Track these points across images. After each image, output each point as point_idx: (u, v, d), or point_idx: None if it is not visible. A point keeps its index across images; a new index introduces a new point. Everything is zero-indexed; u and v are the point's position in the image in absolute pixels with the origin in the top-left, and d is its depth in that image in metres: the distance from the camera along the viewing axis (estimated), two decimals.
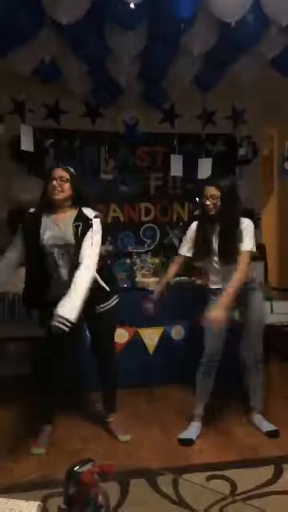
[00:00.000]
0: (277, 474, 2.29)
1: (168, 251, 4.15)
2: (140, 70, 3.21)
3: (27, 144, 3.30)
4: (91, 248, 2.40)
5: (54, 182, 2.45)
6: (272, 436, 2.73)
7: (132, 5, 2.22)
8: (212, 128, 4.17)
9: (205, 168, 3.82)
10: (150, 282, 3.66)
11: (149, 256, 3.97)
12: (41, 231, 2.46)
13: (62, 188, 2.46)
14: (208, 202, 2.58)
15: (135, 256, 3.91)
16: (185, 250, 2.79)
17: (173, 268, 2.88)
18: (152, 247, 4.18)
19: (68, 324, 2.19)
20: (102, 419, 2.84)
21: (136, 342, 3.48)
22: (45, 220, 2.48)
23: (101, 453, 2.50)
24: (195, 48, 2.80)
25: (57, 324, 2.19)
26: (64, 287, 2.35)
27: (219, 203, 2.56)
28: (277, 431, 2.75)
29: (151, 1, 2.32)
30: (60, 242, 2.44)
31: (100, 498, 1.25)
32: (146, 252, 4.03)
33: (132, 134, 4.01)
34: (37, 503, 1.25)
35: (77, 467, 1.24)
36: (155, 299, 2.84)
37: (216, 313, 2.46)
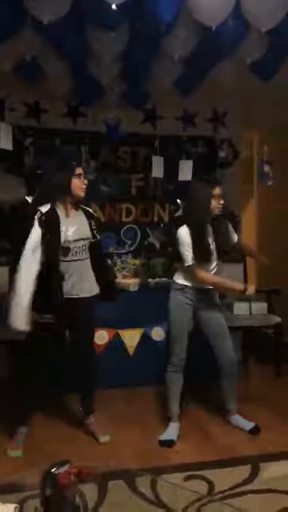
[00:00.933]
0: (254, 473, 2.32)
1: (148, 252, 4.16)
2: (122, 70, 3.21)
3: (5, 142, 3.26)
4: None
5: (81, 180, 2.54)
6: (255, 433, 2.77)
7: (114, 6, 2.22)
8: (193, 130, 4.19)
9: (185, 170, 3.84)
10: (131, 283, 3.66)
11: (129, 257, 3.98)
12: (63, 228, 2.48)
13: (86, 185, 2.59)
14: (222, 201, 2.67)
15: (115, 257, 3.90)
16: (192, 258, 2.67)
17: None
18: (132, 248, 4.18)
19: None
20: (81, 420, 2.83)
21: (116, 343, 3.48)
22: (64, 218, 2.52)
23: (79, 454, 2.48)
24: (175, 51, 2.81)
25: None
26: (84, 281, 2.58)
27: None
28: (258, 427, 2.80)
29: (133, 2, 2.32)
30: (84, 236, 2.57)
31: (77, 499, 1.24)
32: (127, 253, 4.03)
33: (114, 134, 4.00)
34: (13, 505, 1.24)
35: (54, 468, 1.23)
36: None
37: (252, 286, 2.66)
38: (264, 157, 4.00)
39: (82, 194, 2.57)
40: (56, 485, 1.20)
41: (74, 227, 2.52)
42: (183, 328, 2.74)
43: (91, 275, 2.65)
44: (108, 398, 3.21)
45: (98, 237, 2.68)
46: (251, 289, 2.62)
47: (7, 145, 3.27)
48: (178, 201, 4.25)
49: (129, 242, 4.22)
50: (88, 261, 2.63)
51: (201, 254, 2.65)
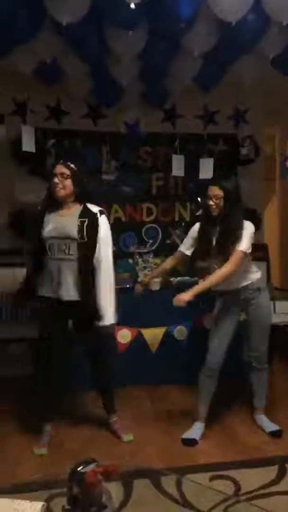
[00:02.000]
0: (281, 474, 2.29)
1: (170, 251, 4.14)
2: (141, 70, 3.20)
3: (28, 145, 3.30)
4: (107, 249, 2.53)
5: (56, 179, 2.48)
6: (275, 436, 2.73)
7: (132, 5, 2.22)
8: (213, 128, 4.16)
9: (206, 168, 3.81)
10: (152, 282, 3.65)
11: (151, 256, 3.97)
12: (44, 226, 2.50)
13: (63, 184, 2.49)
14: (211, 202, 2.58)
15: (137, 256, 3.91)
16: (185, 247, 2.82)
17: (168, 262, 2.94)
18: (154, 247, 4.18)
19: (111, 328, 2.57)
20: (105, 419, 2.84)
21: (139, 342, 3.48)
22: (48, 216, 2.53)
23: (103, 453, 2.49)
24: (195, 47, 2.79)
25: (105, 333, 2.54)
26: (65, 283, 2.47)
27: (222, 203, 2.56)
28: (280, 431, 2.75)
29: (151, 0, 2.32)
30: (61, 235, 2.47)
31: (104, 498, 1.24)
32: (148, 252, 4.02)
33: (134, 134, 4.00)
34: (41, 503, 1.25)
35: (81, 467, 1.23)
36: (140, 289, 3.02)
37: (183, 296, 2.48)
38: (286, 153, 3.94)
39: (58, 193, 2.48)
40: (83, 484, 1.20)
41: (53, 225, 2.48)
42: (222, 331, 2.72)
43: (71, 278, 2.48)
44: (131, 396, 3.21)
45: (86, 238, 2.45)
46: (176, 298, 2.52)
47: (30, 147, 3.31)
48: (199, 199, 4.22)
49: (150, 241, 4.22)
50: (68, 262, 2.48)
51: (199, 250, 2.70)
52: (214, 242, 2.64)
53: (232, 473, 2.29)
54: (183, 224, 4.24)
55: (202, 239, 2.70)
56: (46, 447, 2.59)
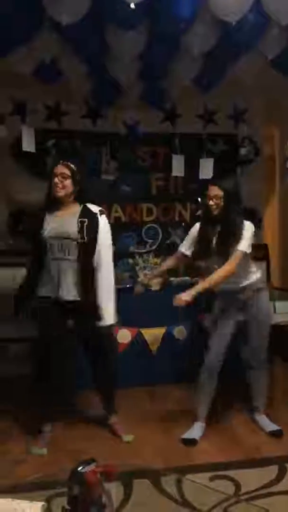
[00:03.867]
0: (281, 474, 2.29)
1: (170, 251, 4.14)
2: (141, 70, 3.20)
3: (28, 145, 3.30)
4: (107, 249, 2.55)
5: (56, 179, 2.49)
6: (275, 436, 2.73)
7: (132, 5, 2.22)
8: (213, 128, 4.16)
9: (206, 168, 3.81)
10: (153, 282, 3.65)
11: (151, 256, 3.97)
12: (44, 226, 2.50)
13: (63, 185, 2.49)
14: (211, 202, 2.58)
15: (137, 256, 3.91)
16: (184, 247, 2.82)
17: (168, 262, 2.96)
18: (154, 247, 4.18)
19: (111, 329, 2.60)
20: (104, 419, 2.84)
21: (138, 342, 3.48)
22: (49, 216, 2.54)
23: (103, 453, 2.49)
24: (195, 47, 2.79)
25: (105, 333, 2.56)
26: (65, 283, 2.47)
27: (221, 203, 2.56)
28: (280, 431, 2.75)
29: (151, 0, 2.32)
30: (62, 235, 2.47)
31: (104, 498, 1.25)
32: (148, 252, 4.03)
33: (133, 134, 4.00)
34: (40, 503, 1.25)
35: (81, 467, 1.23)
36: (140, 289, 3.05)
37: (184, 295, 2.48)
38: (286, 153, 3.94)
39: (57, 193, 2.49)
40: (83, 484, 1.21)
41: (53, 225, 2.50)
42: (222, 331, 2.72)
43: (71, 278, 2.48)
44: (131, 396, 3.21)
45: (86, 239, 2.46)
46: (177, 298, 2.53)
47: (30, 147, 3.32)
48: (199, 199, 4.22)
49: (150, 241, 4.22)
50: (68, 262, 2.48)
51: (199, 250, 2.70)
52: (214, 242, 2.64)
53: (232, 473, 2.29)
54: (183, 224, 4.24)
55: (202, 239, 2.70)
56: (46, 447, 2.59)
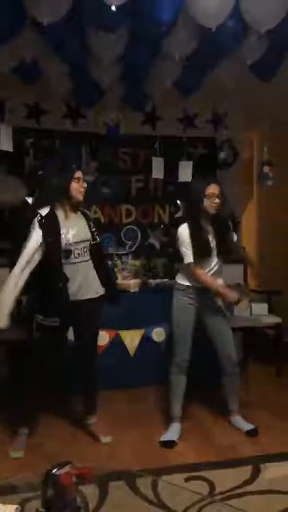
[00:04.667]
0: (255, 474, 2.32)
1: (149, 252, 4.16)
2: (122, 72, 3.21)
3: (6, 144, 3.27)
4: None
5: (77, 184, 2.54)
6: (252, 435, 2.77)
7: (113, 8, 2.22)
8: (193, 132, 4.20)
9: (185, 171, 3.85)
10: (131, 284, 3.66)
11: (130, 257, 3.98)
12: (63, 230, 2.48)
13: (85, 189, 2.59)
14: (217, 200, 2.64)
15: (116, 258, 3.91)
16: (192, 257, 2.68)
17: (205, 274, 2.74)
18: (133, 249, 4.18)
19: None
20: (82, 421, 2.83)
21: (117, 344, 3.48)
22: (63, 221, 2.52)
23: (81, 455, 2.49)
24: (176, 51, 2.81)
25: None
26: (85, 283, 2.56)
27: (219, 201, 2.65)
28: (256, 430, 2.80)
29: (132, 3, 2.33)
30: (84, 238, 2.57)
31: (78, 500, 1.24)
32: (127, 254, 4.03)
33: (114, 135, 4.01)
34: (15, 506, 1.24)
35: (55, 469, 1.23)
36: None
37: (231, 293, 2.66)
38: (264, 158, 4.01)
39: (80, 197, 2.57)
40: (57, 486, 1.20)
41: (74, 230, 2.52)
42: (186, 329, 2.74)
43: (94, 276, 2.64)
44: (109, 399, 3.20)
45: (98, 239, 2.67)
46: (243, 303, 2.62)
47: (8, 146, 3.28)
48: (178, 202, 4.25)
49: (129, 243, 4.23)
50: (91, 262, 2.62)
51: (199, 250, 2.65)
52: (211, 241, 2.68)
53: (207, 473, 2.31)
54: (162, 226, 4.26)
55: (201, 240, 2.67)
56: (22, 450, 2.56)
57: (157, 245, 4.20)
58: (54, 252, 2.44)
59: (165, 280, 3.79)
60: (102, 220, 4.19)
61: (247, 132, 4.73)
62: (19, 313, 2.71)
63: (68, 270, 2.49)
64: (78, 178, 2.54)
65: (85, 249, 2.58)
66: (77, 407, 2.94)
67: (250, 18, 2.47)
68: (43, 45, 2.83)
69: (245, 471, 2.34)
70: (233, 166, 4.35)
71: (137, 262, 3.96)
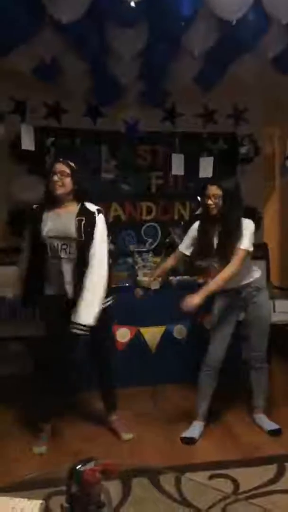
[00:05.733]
0: (280, 473, 2.29)
1: (169, 250, 4.14)
2: (141, 69, 3.20)
3: (27, 143, 3.29)
4: (101, 246, 2.46)
5: (55, 177, 2.48)
6: (275, 434, 2.73)
7: (132, 3, 2.21)
8: (213, 127, 4.16)
9: (206, 167, 3.81)
10: (152, 282, 3.65)
11: (150, 255, 3.97)
12: (42, 224, 2.48)
13: (63, 182, 2.48)
14: (210, 202, 2.58)
15: (136, 255, 3.90)
16: (184, 247, 2.81)
17: (168, 262, 2.93)
18: (153, 246, 4.17)
19: (85, 330, 2.35)
20: (104, 418, 2.84)
21: (137, 341, 3.47)
22: (47, 215, 2.51)
23: (103, 452, 2.50)
24: (195, 46, 2.79)
25: (76, 331, 2.36)
26: (66, 283, 2.46)
27: (221, 202, 2.56)
28: (280, 430, 2.75)
29: None
30: (61, 234, 2.46)
31: (102, 496, 1.24)
32: (148, 251, 4.02)
33: (134, 133, 4.00)
34: (39, 501, 1.25)
35: (79, 465, 1.23)
36: (141, 293, 3.06)
37: (192, 299, 2.43)
38: (286, 152, 3.94)
39: (56, 191, 2.47)
40: (81, 482, 1.20)
41: (51, 224, 2.47)
42: (221, 330, 2.72)
43: (71, 276, 2.48)
44: (130, 395, 3.21)
45: (91, 238, 2.44)
46: (187, 302, 2.46)
47: (29, 145, 3.31)
48: (199, 198, 4.21)
49: (150, 240, 4.22)
50: (69, 261, 2.47)
51: (199, 248, 2.69)
52: (214, 242, 2.64)
53: (231, 471, 2.30)
54: (182, 223, 4.23)
55: (202, 239, 2.69)
56: (45, 446, 2.59)
57: (178, 242, 4.16)
58: (32, 245, 2.53)
59: (186, 277, 3.77)
60: (123, 217, 4.20)
61: (268, 127, 4.66)
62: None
63: (51, 264, 2.50)
64: (55, 172, 2.47)
65: (64, 247, 2.45)
66: (99, 403, 2.95)
67: (271, 9, 2.43)
68: (62, 44, 2.84)
69: (270, 470, 2.31)
70: (254, 161, 4.29)
71: (158, 259, 3.94)
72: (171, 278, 3.79)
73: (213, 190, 2.57)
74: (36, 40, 2.73)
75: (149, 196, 4.24)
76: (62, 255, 2.47)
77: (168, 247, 4.12)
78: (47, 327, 2.61)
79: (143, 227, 4.23)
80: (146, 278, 3.65)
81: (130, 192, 4.17)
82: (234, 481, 2.20)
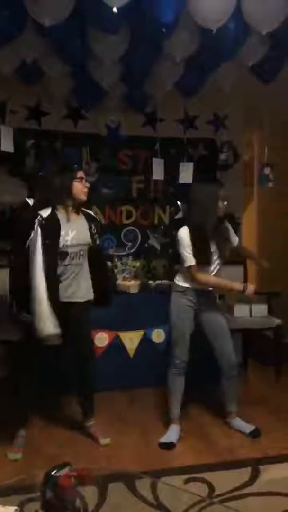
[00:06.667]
0: (254, 476, 2.32)
1: (149, 254, 4.16)
2: (123, 73, 3.21)
3: (7, 145, 3.26)
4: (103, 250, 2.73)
5: (80, 184, 2.53)
6: (255, 436, 2.76)
7: (114, 9, 2.22)
8: (193, 133, 4.20)
9: (186, 172, 3.84)
10: (131, 285, 3.66)
11: (130, 259, 3.97)
12: (62, 232, 2.46)
13: (88, 189, 2.58)
14: (225, 203, 2.71)
15: (116, 259, 3.90)
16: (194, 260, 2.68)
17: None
18: (133, 250, 4.18)
19: None
20: (81, 423, 2.83)
21: (116, 346, 3.48)
22: (65, 222, 2.50)
23: (80, 457, 2.48)
24: (177, 53, 2.81)
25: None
26: (82, 287, 2.57)
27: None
28: (258, 430, 2.79)
29: (133, 5, 2.33)
30: (81, 241, 2.54)
31: (78, 502, 1.24)
32: (127, 255, 4.03)
33: (115, 136, 4.01)
34: (14, 508, 1.24)
35: (54, 471, 1.23)
36: None
37: (252, 286, 2.66)
38: (265, 159, 4.01)
39: (83, 197, 2.57)
40: (56, 488, 1.20)
41: (73, 232, 2.50)
42: (184, 331, 2.74)
43: (86, 280, 2.62)
44: (108, 400, 3.21)
45: (98, 241, 2.65)
46: (250, 289, 2.62)
47: (9, 147, 3.28)
48: (179, 203, 4.25)
49: (129, 244, 4.22)
50: (85, 265, 2.61)
51: (201, 255, 2.65)
52: (215, 242, 2.71)
53: (206, 475, 2.31)
54: (162, 227, 4.26)
55: (202, 243, 2.67)
56: (21, 452, 2.56)
57: (157, 247, 4.19)
58: (51, 253, 2.42)
59: (165, 281, 3.79)
60: (103, 221, 4.19)
61: (247, 134, 4.73)
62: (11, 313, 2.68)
63: (61, 270, 2.49)
64: (81, 178, 2.54)
65: (81, 252, 2.56)
66: (75, 408, 2.94)
67: (251, 19, 2.47)
68: (44, 47, 2.83)
69: (245, 473, 2.34)
70: (233, 167, 4.35)
71: (137, 263, 3.96)
72: (149, 282, 3.80)
73: (224, 192, 2.72)
74: (18, 42, 2.71)
75: (129, 200, 4.24)
76: (81, 261, 2.56)
77: (147, 251, 4.14)
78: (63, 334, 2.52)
79: (123, 231, 4.23)
80: (126, 283, 3.66)
81: (110, 196, 4.17)
82: (209, 485, 2.22)
